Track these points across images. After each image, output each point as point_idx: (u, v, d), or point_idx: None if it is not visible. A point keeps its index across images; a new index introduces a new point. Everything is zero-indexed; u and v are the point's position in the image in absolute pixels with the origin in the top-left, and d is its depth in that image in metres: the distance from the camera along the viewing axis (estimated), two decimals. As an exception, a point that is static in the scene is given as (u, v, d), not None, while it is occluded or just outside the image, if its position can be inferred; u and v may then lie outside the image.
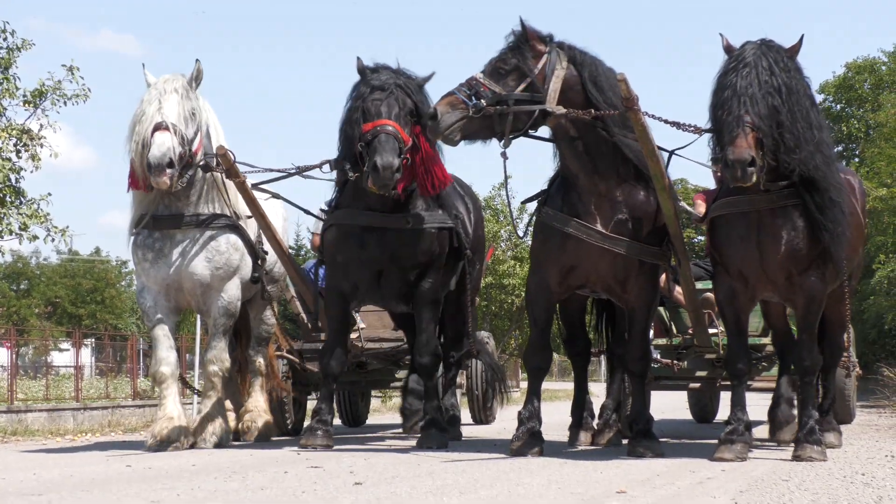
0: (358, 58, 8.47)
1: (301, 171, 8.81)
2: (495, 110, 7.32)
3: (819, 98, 39.87)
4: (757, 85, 6.89)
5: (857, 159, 37.63)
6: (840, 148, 40.00)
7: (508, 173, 7.75)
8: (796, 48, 7.21)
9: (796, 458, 7.34)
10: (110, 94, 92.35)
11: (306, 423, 11.86)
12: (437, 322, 8.92)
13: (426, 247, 8.60)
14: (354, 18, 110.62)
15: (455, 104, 7.34)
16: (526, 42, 7.50)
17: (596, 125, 7.53)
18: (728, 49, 7.22)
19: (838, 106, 39.95)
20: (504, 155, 7.57)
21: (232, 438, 9.38)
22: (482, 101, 7.30)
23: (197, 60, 8.80)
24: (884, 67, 38.31)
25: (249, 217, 9.01)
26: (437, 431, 8.74)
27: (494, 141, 7.59)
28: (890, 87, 36.96)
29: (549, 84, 7.42)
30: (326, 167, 8.61)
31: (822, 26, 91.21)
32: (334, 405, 8.83)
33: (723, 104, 6.93)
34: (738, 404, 7.55)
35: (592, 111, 7.38)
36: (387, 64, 8.48)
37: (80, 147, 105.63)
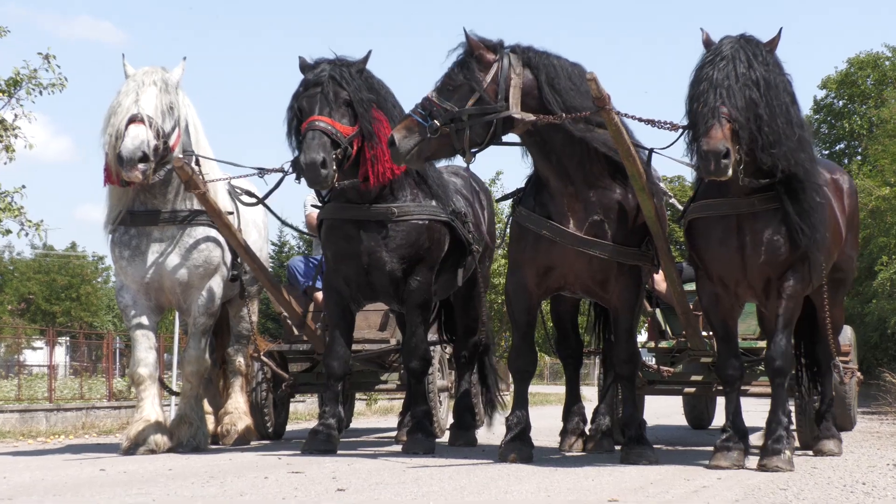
0: (300, 57, 8.52)
1: (261, 173, 8.92)
2: (451, 128, 7.34)
3: (821, 94, 40.03)
4: (734, 77, 6.89)
5: (859, 157, 37.69)
6: (842, 145, 40.11)
7: (499, 168, 7.78)
8: (775, 42, 7.20)
9: (761, 467, 7.22)
10: (88, 83, 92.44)
11: (289, 427, 11.88)
12: (427, 324, 8.93)
13: (413, 240, 8.59)
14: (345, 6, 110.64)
15: (412, 127, 7.39)
16: (471, 55, 7.49)
17: (561, 125, 7.50)
18: (707, 43, 7.21)
19: (840, 102, 40.01)
20: (466, 170, 7.59)
21: (210, 442, 9.37)
22: (436, 121, 7.33)
23: (184, 59, 8.85)
24: (887, 63, 38.39)
25: (230, 213, 9.01)
26: (423, 436, 8.73)
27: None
28: (894, 83, 37.07)
29: (503, 93, 7.40)
30: (288, 167, 8.61)
31: (824, 20, 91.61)
32: (339, 408, 8.80)
33: (698, 96, 6.93)
34: (732, 411, 7.54)
35: (564, 115, 7.35)
36: (326, 57, 8.49)
37: (56, 138, 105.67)
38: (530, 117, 7.38)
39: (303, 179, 8.18)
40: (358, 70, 8.44)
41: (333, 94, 8.25)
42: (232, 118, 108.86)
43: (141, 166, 8.12)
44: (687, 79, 7.15)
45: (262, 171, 8.92)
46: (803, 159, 7.09)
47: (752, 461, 7.72)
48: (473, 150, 7.49)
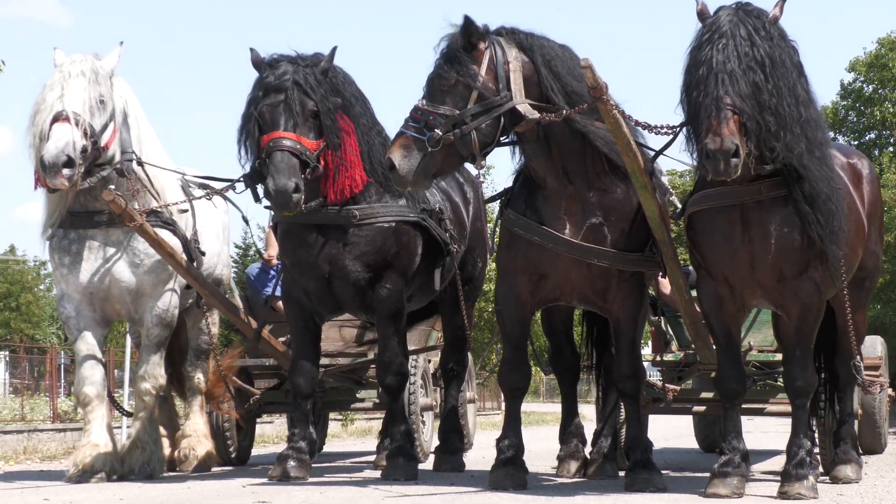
0: (251, 49, 8.40)
1: (209, 195, 8.97)
2: (455, 135, 7.28)
3: (848, 77, 40.02)
4: (736, 59, 6.71)
5: (891, 148, 37.78)
6: (872, 135, 40.15)
7: (489, 163, 7.76)
8: (778, 13, 7.03)
9: (782, 494, 7.20)
10: (30, 67, 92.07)
11: (254, 450, 11.88)
12: (401, 335, 8.93)
13: (379, 245, 8.59)
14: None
15: (408, 145, 7.29)
16: (459, 47, 7.41)
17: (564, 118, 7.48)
18: (702, 15, 7.05)
19: (870, 87, 40.01)
20: (479, 177, 7.56)
21: (167, 468, 9.36)
22: (437, 130, 7.25)
23: (120, 43, 8.76)
24: (923, 44, 38.42)
25: (184, 212, 8.99)
26: (404, 460, 8.74)
27: None
28: (930, 66, 37.11)
29: (503, 82, 7.37)
30: (240, 185, 8.58)
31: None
32: (310, 430, 8.81)
33: (698, 83, 6.75)
34: (732, 431, 7.45)
35: (563, 112, 7.31)
36: (285, 54, 8.38)
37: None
38: (535, 114, 7.36)
39: (262, 200, 8.15)
40: (323, 72, 8.35)
41: (300, 105, 8.13)
42: (192, 108, 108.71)
43: (66, 172, 7.98)
44: (681, 58, 7.00)
45: (210, 194, 8.97)
46: (806, 147, 6.92)
47: (773, 489, 7.72)
48: (484, 153, 7.46)
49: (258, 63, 8.35)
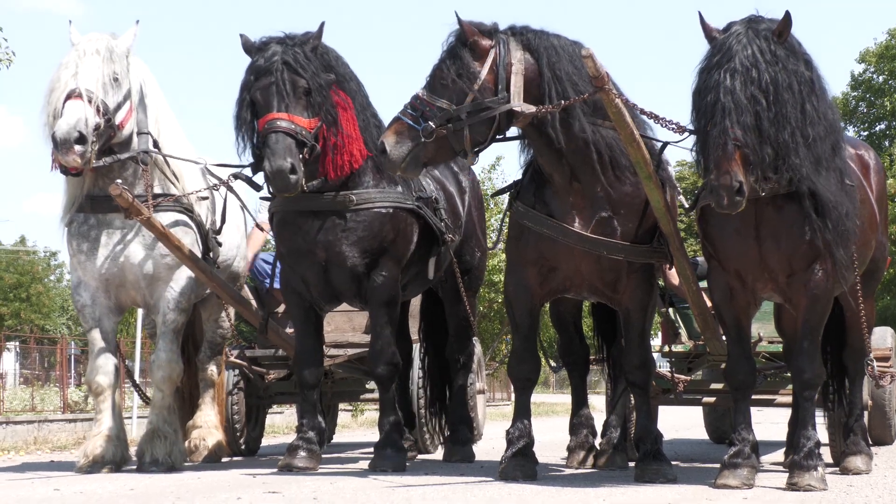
0: (241, 35, 8.39)
1: (213, 188, 8.99)
2: (448, 129, 7.31)
3: (859, 68, 39.97)
4: (741, 87, 6.72)
5: (901, 139, 37.74)
6: (882, 126, 40.12)
7: (500, 154, 7.77)
8: (785, 28, 6.97)
9: (791, 486, 7.20)
10: (41, 58, 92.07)
11: (264, 441, 11.91)
12: (394, 324, 8.90)
13: (376, 231, 8.56)
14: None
15: (403, 131, 7.33)
16: (464, 43, 7.44)
17: (563, 117, 7.47)
18: (708, 33, 7.07)
19: (880, 77, 39.98)
20: (468, 167, 7.59)
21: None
22: (430, 122, 7.29)
23: (136, 22, 8.71)
24: (933, 34, 38.39)
25: (204, 199, 8.97)
26: (392, 451, 8.69)
27: None
28: (940, 57, 37.07)
29: (503, 83, 7.37)
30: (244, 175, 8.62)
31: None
32: (319, 419, 8.82)
33: (706, 111, 6.79)
34: (742, 422, 7.49)
35: (562, 102, 7.30)
36: (273, 36, 8.35)
37: (3, 120, 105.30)
38: (531, 108, 7.38)
39: (263, 187, 8.16)
40: (312, 48, 8.32)
41: (291, 84, 8.10)
42: (205, 97, 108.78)
43: (78, 148, 7.91)
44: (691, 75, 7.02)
45: (216, 186, 8.99)
46: (811, 169, 6.93)
47: (782, 479, 7.73)
48: (476, 150, 7.49)
49: (248, 48, 8.34)
